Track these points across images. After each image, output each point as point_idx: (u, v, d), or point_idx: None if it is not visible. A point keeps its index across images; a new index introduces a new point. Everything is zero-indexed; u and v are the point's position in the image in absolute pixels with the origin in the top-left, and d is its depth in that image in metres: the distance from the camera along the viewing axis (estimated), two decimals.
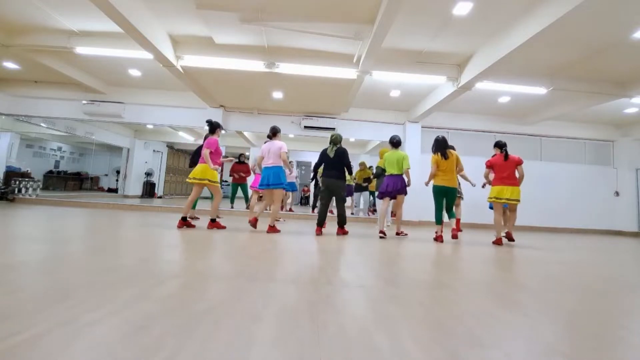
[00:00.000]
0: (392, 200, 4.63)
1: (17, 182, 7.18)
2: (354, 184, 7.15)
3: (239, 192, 7.32)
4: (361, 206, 7.57)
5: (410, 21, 4.07)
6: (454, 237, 4.32)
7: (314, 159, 12.33)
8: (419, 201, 6.69)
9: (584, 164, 8.01)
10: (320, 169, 4.82)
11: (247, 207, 7.36)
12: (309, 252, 2.86)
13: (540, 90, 5.56)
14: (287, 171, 4.35)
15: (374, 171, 6.15)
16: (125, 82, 7.04)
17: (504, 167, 4.27)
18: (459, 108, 7.24)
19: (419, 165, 6.73)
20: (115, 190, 11.84)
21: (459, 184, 4.63)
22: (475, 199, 6.22)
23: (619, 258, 3.71)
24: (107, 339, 1.01)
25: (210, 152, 4.04)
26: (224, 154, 5.41)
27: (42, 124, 8.26)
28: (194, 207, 4.83)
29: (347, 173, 4.40)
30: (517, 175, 4.27)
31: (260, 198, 5.70)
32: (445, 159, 4.28)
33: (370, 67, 4.91)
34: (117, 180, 12.08)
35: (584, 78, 5.40)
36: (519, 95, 6.21)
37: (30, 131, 9.54)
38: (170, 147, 12.79)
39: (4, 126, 7.91)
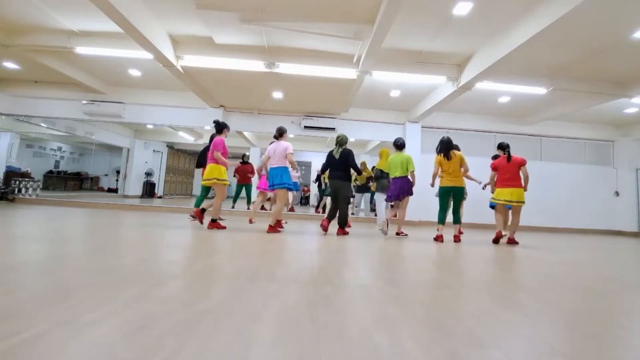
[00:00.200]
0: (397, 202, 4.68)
1: (17, 182, 7.18)
2: (356, 185, 7.15)
3: (241, 192, 7.34)
4: (362, 206, 7.56)
5: (410, 21, 4.07)
6: (456, 240, 4.26)
7: (314, 159, 12.35)
8: (419, 201, 6.68)
9: (584, 164, 8.01)
10: (325, 172, 4.87)
11: (249, 208, 7.38)
12: (309, 252, 2.86)
13: (540, 90, 5.56)
14: (293, 172, 4.37)
15: (374, 172, 6.15)
16: (125, 82, 7.04)
17: (506, 169, 4.28)
18: (459, 108, 7.24)
19: (419, 165, 6.70)
20: (115, 190, 11.84)
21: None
22: (476, 199, 6.22)
23: (619, 258, 3.71)
24: (107, 339, 1.01)
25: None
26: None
27: (42, 124, 8.26)
28: (197, 205, 4.87)
29: (354, 174, 4.43)
30: (521, 176, 4.26)
31: (268, 199, 5.75)
32: (448, 159, 4.29)
33: (370, 67, 4.90)
34: (117, 180, 12.08)
35: (584, 78, 5.39)
36: (519, 95, 6.21)
37: (30, 131, 9.54)
38: (170, 147, 12.80)
39: (4, 126, 7.91)
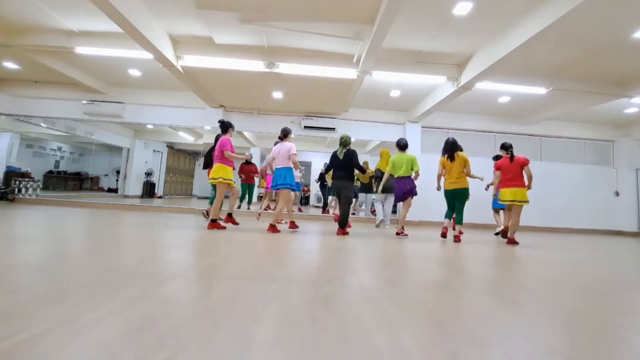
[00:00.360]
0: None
1: (17, 182, 7.17)
2: (359, 185, 7.15)
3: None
4: (363, 207, 7.58)
5: (410, 21, 4.07)
6: (456, 240, 4.29)
7: (314, 158, 12.35)
8: (419, 201, 6.67)
9: (584, 164, 8.01)
10: (329, 172, 4.91)
11: (248, 208, 7.39)
12: (309, 252, 2.86)
13: (540, 90, 5.56)
14: (295, 172, 4.39)
15: (374, 172, 6.16)
16: (125, 82, 7.04)
17: (509, 169, 4.32)
18: (459, 108, 7.24)
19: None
20: (115, 190, 11.84)
21: None
22: (476, 199, 6.21)
23: (619, 258, 3.71)
24: (107, 339, 1.01)
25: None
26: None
27: (42, 124, 8.26)
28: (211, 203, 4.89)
29: (358, 173, 4.49)
30: (524, 176, 4.29)
31: (274, 200, 5.80)
32: (452, 161, 4.33)
33: (370, 67, 4.90)
34: (117, 180, 12.07)
35: (584, 78, 5.39)
36: (519, 95, 6.21)
37: (30, 131, 9.53)
38: (170, 147, 12.78)
39: (4, 126, 7.91)
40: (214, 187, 4.77)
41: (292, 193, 4.52)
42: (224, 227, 4.19)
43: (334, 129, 7.52)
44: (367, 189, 7.08)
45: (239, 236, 3.61)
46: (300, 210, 7.86)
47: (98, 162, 12.75)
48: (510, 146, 4.41)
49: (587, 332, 1.32)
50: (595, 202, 7.81)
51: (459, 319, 1.37)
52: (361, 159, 5.21)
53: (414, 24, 4.13)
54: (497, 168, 4.46)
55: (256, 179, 7.50)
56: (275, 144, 4.48)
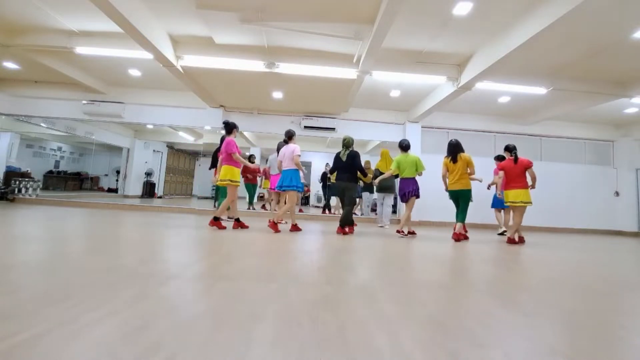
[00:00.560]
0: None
1: (17, 182, 7.17)
2: (361, 185, 7.16)
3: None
4: (365, 206, 7.60)
5: (410, 21, 4.07)
6: (455, 238, 4.31)
7: (314, 158, 12.35)
8: (419, 202, 6.67)
9: (584, 164, 8.01)
10: (333, 174, 4.94)
11: (248, 208, 7.40)
12: (309, 252, 2.86)
13: (540, 90, 5.56)
14: (300, 173, 4.43)
15: (373, 172, 6.17)
16: (125, 82, 7.04)
17: (512, 171, 4.37)
18: (459, 108, 7.24)
19: None
20: (115, 190, 11.84)
21: None
22: (476, 199, 6.21)
23: (619, 258, 3.71)
24: (107, 339, 1.01)
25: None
26: None
27: (42, 124, 8.25)
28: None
29: (361, 175, 4.55)
30: (528, 177, 4.35)
31: (279, 201, 5.83)
32: (454, 162, 4.37)
33: (370, 67, 4.90)
34: (117, 180, 12.07)
35: (584, 78, 5.39)
36: (519, 95, 6.21)
37: (30, 131, 9.53)
38: (170, 147, 12.79)
39: (4, 126, 7.91)
40: (219, 188, 4.79)
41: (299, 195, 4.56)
42: (224, 227, 4.20)
43: (334, 129, 7.52)
44: (369, 188, 7.09)
45: (240, 236, 3.61)
46: (300, 210, 7.88)
47: (98, 162, 12.75)
48: (514, 148, 4.46)
49: (587, 332, 1.32)
50: (595, 202, 7.81)
51: (459, 319, 1.37)
52: (362, 159, 5.22)
53: (414, 24, 4.13)
54: (501, 169, 4.49)
55: (258, 179, 7.52)
56: (279, 146, 4.54)
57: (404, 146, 4.75)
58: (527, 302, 1.68)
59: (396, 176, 4.89)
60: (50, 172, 11.62)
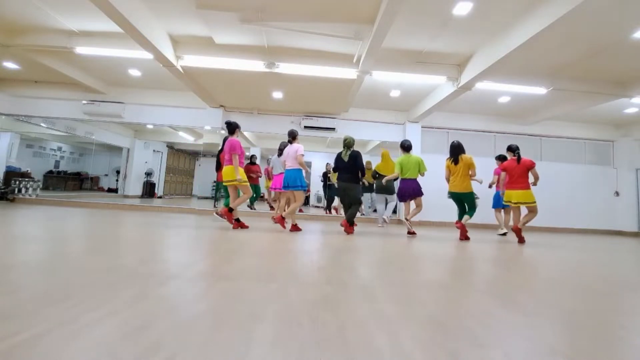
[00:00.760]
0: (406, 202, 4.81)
1: (17, 182, 7.18)
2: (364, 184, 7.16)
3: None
4: (366, 206, 7.62)
5: (410, 21, 4.07)
6: (459, 227, 4.36)
7: (314, 158, 12.34)
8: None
9: (584, 164, 8.01)
10: (334, 174, 4.95)
11: (251, 208, 7.40)
12: (309, 251, 2.86)
13: (540, 90, 5.56)
14: (304, 172, 4.45)
15: (372, 173, 6.17)
16: (125, 82, 7.04)
17: (515, 171, 4.38)
18: (459, 108, 7.24)
19: None
20: (115, 190, 11.84)
21: None
22: (479, 197, 6.22)
23: (619, 258, 3.71)
24: (107, 339, 1.01)
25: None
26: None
27: (42, 124, 8.26)
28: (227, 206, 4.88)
29: (367, 177, 4.58)
30: (531, 177, 4.36)
31: (275, 200, 5.85)
32: (456, 164, 4.38)
33: (370, 67, 4.90)
34: (117, 180, 12.08)
35: (584, 78, 5.39)
36: (519, 95, 6.21)
37: (30, 131, 9.53)
38: (170, 147, 12.80)
39: (4, 126, 7.91)
40: (225, 188, 4.78)
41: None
42: (248, 226, 4.36)
43: (334, 129, 7.53)
44: (369, 189, 7.09)
45: (240, 236, 3.61)
46: (300, 210, 7.85)
47: (98, 162, 12.75)
48: (517, 148, 4.48)
49: (587, 332, 1.32)
50: (595, 202, 7.81)
51: (459, 319, 1.37)
52: (363, 160, 5.23)
53: (414, 24, 4.13)
54: (503, 169, 4.49)
55: (260, 180, 7.50)
56: (281, 146, 4.55)
57: (406, 147, 4.75)
58: (527, 302, 1.68)
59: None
60: (50, 172, 11.62)
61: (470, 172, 4.39)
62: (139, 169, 11.08)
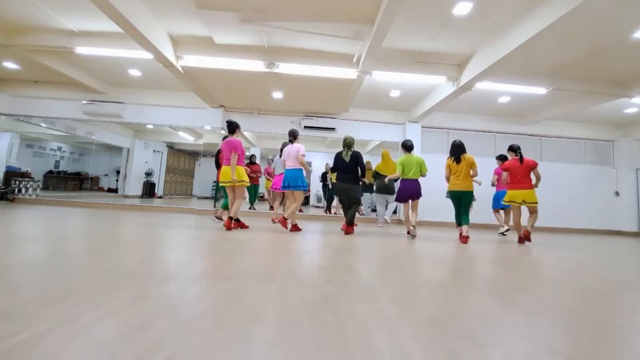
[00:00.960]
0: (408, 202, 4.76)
1: (17, 182, 7.17)
2: (363, 184, 7.16)
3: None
4: (365, 206, 7.61)
5: (410, 21, 4.07)
6: (463, 242, 4.24)
7: (314, 158, 12.34)
8: (420, 202, 6.68)
9: (584, 164, 8.01)
10: (333, 174, 4.93)
11: (251, 208, 7.41)
12: (309, 251, 2.86)
13: (540, 90, 5.56)
14: (304, 172, 4.44)
15: (372, 173, 6.17)
16: (125, 82, 7.04)
17: (517, 171, 4.37)
18: (459, 108, 7.24)
19: None
20: (115, 190, 11.84)
21: None
22: (477, 199, 6.21)
23: (619, 258, 3.71)
24: (107, 339, 1.01)
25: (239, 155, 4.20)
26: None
27: (42, 124, 8.26)
28: (225, 207, 4.87)
29: (361, 176, 4.58)
30: (532, 178, 4.37)
31: (282, 201, 5.85)
32: (458, 163, 4.35)
33: (370, 67, 4.90)
34: (117, 180, 12.08)
35: (584, 78, 5.39)
36: (519, 95, 6.21)
37: (30, 131, 9.53)
38: (170, 147, 12.80)
39: (4, 126, 7.91)
40: (224, 189, 4.77)
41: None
42: (248, 226, 4.38)
43: (334, 129, 7.53)
44: (369, 188, 7.09)
45: (239, 236, 3.61)
46: (300, 210, 7.85)
47: (98, 162, 12.75)
48: (519, 148, 4.47)
49: (587, 332, 1.32)
50: (595, 202, 7.81)
51: (459, 319, 1.37)
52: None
53: (414, 24, 4.13)
54: (506, 169, 4.47)
55: (260, 180, 7.50)
56: (283, 146, 4.54)
57: (408, 146, 4.70)
58: (527, 302, 1.68)
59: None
60: (50, 172, 11.62)
61: (472, 172, 4.38)
62: (139, 169, 11.08)
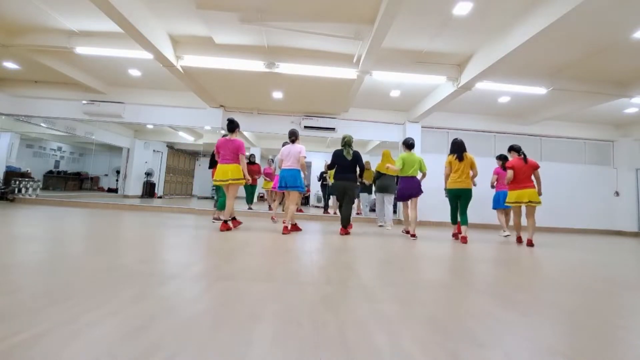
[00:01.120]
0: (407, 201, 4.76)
1: (17, 182, 7.17)
2: (362, 185, 7.15)
3: (241, 192, 7.36)
4: (364, 207, 7.60)
5: (411, 21, 4.07)
6: (464, 242, 4.20)
7: (314, 158, 12.34)
8: (419, 201, 6.67)
9: (584, 164, 8.01)
10: (331, 171, 4.92)
11: (250, 208, 7.41)
12: (309, 251, 2.86)
13: (540, 90, 5.56)
14: (302, 174, 4.43)
15: (374, 174, 6.16)
16: (125, 82, 7.04)
17: (522, 171, 4.33)
18: (459, 108, 7.24)
19: None
20: (115, 190, 11.84)
21: None
22: (475, 199, 6.21)
23: (619, 258, 3.71)
24: (107, 339, 1.01)
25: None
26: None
27: (42, 124, 8.26)
28: (221, 208, 4.85)
29: (359, 175, 4.58)
30: (533, 179, 4.36)
31: (281, 201, 5.82)
32: (460, 161, 4.33)
33: (370, 67, 4.90)
34: (117, 180, 12.08)
35: (584, 78, 5.39)
36: (519, 95, 6.21)
37: (30, 131, 9.53)
38: (170, 147, 12.80)
39: (4, 126, 7.91)
40: (220, 189, 4.76)
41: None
42: (241, 222, 4.41)
43: (334, 129, 7.53)
44: (368, 189, 7.08)
45: (239, 236, 3.61)
46: (300, 210, 7.86)
47: (98, 162, 12.76)
48: (521, 148, 4.46)
49: (587, 332, 1.32)
50: (595, 202, 7.81)
51: (459, 319, 1.37)
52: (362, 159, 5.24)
53: (414, 24, 4.13)
54: (511, 167, 4.41)
55: (259, 180, 7.51)
56: (284, 145, 4.52)
57: (409, 144, 4.66)
58: (527, 302, 1.68)
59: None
60: (50, 172, 11.62)
61: (472, 172, 4.37)
62: (139, 169, 11.08)
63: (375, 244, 3.63)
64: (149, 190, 11.15)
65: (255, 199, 7.80)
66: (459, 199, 4.42)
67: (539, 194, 4.35)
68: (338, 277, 2.00)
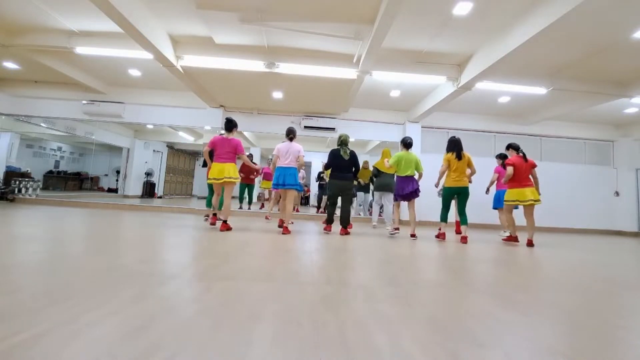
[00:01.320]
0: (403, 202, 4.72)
1: (17, 182, 7.18)
2: (359, 184, 7.15)
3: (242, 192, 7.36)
4: (362, 206, 7.59)
5: (411, 21, 4.07)
6: (464, 242, 4.19)
7: (313, 158, 12.34)
8: (418, 201, 6.66)
9: (584, 164, 8.01)
10: (327, 171, 4.89)
11: (249, 208, 7.41)
12: (309, 251, 2.86)
13: (540, 90, 5.56)
14: (300, 173, 4.42)
15: (372, 171, 6.15)
16: (125, 82, 7.04)
17: (523, 169, 4.31)
18: (459, 108, 7.24)
19: None
20: (115, 190, 11.84)
21: None
22: (474, 199, 6.21)
23: (619, 258, 3.71)
24: (107, 339, 1.01)
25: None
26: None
27: (42, 124, 8.26)
28: (209, 205, 4.86)
29: (361, 173, 4.54)
30: (531, 178, 4.36)
31: (267, 200, 5.81)
32: (459, 159, 4.31)
33: (370, 67, 4.90)
34: (117, 180, 12.08)
35: (584, 78, 5.39)
36: (519, 95, 6.21)
37: (30, 131, 9.54)
38: (170, 147, 12.80)
39: (4, 126, 7.91)
40: (210, 186, 4.74)
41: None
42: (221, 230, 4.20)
43: (334, 129, 7.53)
44: (365, 189, 7.07)
45: (239, 236, 3.61)
46: (297, 210, 7.83)
47: (98, 162, 12.76)
48: (519, 146, 4.46)
49: (587, 332, 1.32)
50: (595, 202, 7.81)
51: (459, 319, 1.37)
52: (361, 159, 5.23)
53: (414, 24, 4.13)
54: (512, 164, 4.35)
55: (256, 179, 7.50)
56: (282, 143, 4.50)
57: (407, 143, 4.63)
58: (527, 302, 1.68)
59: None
60: (50, 172, 11.63)
61: (470, 170, 4.37)
62: (139, 169, 11.08)
63: (375, 244, 3.63)
64: (149, 190, 11.15)
65: (254, 199, 7.80)
66: (457, 197, 4.42)
67: (538, 192, 4.36)
68: (338, 277, 2.00)
